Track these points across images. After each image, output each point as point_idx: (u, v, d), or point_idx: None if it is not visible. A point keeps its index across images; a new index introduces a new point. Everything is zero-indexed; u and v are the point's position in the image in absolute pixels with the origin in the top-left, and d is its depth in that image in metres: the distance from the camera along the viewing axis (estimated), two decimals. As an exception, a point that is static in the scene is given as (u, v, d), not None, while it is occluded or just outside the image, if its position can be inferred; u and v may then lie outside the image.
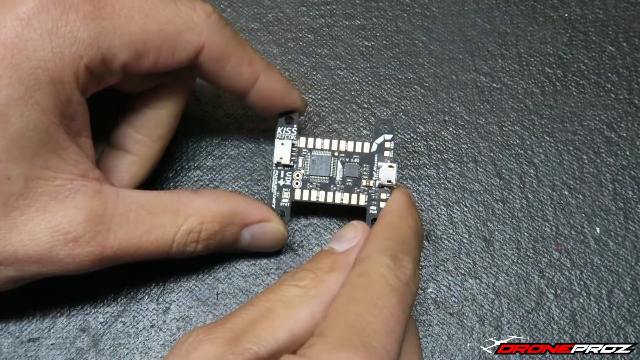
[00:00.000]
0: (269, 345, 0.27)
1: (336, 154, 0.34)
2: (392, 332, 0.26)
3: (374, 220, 0.32)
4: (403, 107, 0.38)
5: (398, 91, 0.39)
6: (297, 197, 0.34)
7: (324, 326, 0.26)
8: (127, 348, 0.33)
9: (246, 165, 0.37)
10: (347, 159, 0.34)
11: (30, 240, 0.28)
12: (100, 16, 0.28)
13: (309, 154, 0.34)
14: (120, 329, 0.34)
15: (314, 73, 0.39)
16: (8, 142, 0.27)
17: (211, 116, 0.37)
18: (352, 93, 0.39)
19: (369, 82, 0.39)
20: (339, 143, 0.34)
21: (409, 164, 0.37)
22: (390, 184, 0.33)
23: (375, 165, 0.34)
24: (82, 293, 0.34)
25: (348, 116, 0.38)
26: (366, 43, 0.40)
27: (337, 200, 0.34)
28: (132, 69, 0.29)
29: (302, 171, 0.34)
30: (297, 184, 0.34)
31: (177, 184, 0.36)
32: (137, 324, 0.34)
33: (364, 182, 0.34)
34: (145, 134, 0.32)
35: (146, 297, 0.34)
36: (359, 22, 0.40)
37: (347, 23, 0.40)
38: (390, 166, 0.33)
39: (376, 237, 0.29)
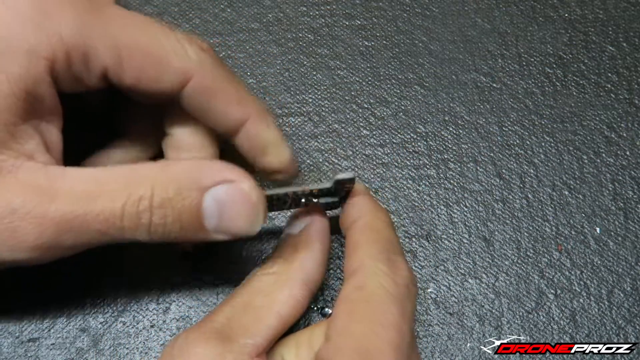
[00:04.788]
0: (263, 334, 0.27)
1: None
2: (398, 350, 0.25)
3: (338, 182, 0.30)
4: (403, 107, 0.38)
5: (398, 91, 0.39)
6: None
7: (329, 351, 0.26)
8: (127, 348, 0.33)
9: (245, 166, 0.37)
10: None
11: None
12: (94, 14, 0.28)
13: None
14: (120, 329, 0.34)
15: (314, 73, 0.39)
16: None
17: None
18: (352, 93, 0.39)
19: (369, 82, 0.39)
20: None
21: (409, 164, 0.37)
22: (348, 175, 0.30)
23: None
24: (82, 293, 0.34)
25: (348, 116, 0.38)
26: (366, 43, 0.40)
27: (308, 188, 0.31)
28: (112, 77, 0.29)
29: None
30: None
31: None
32: (137, 324, 0.34)
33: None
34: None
35: (146, 297, 0.34)
36: (359, 22, 0.40)
37: (347, 23, 0.40)
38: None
39: (362, 244, 0.29)
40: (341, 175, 0.30)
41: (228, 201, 0.27)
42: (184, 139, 0.31)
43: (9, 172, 0.26)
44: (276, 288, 0.29)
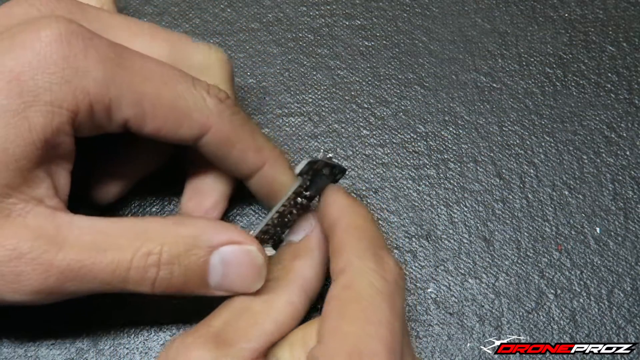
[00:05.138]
0: (259, 340, 0.27)
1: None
2: (391, 350, 0.25)
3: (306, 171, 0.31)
4: (403, 107, 0.38)
5: (398, 91, 0.39)
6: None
7: (321, 353, 0.26)
8: (127, 348, 0.33)
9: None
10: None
11: None
12: (119, 65, 0.28)
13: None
14: (120, 329, 0.34)
15: (314, 73, 0.39)
16: None
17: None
18: (352, 93, 0.39)
19: (369, 82, 0.39)
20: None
21: (409, 164, 0.37)
22: (327, 155, 0.32)
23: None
24: (82, 293, 0.33)
25: (348, 116, 0.38)
26: (366, 43, 0.40)
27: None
28: (133, 127, 0.29)
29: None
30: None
31: (177, 185, 0.36)
32: (137, 324, 0.34)
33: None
34: None
35: (146, 296, 0.34)
36: (359, 22, 0.40)
37: (347, 23, 0.40)
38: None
39: (346, 243, 0.29)
40: (297, 168, 0.30)
41: (234, 262, 0.29)
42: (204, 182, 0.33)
43: (19, 216, 0.27)
44: (275, 294, 0.29)
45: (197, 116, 0.29)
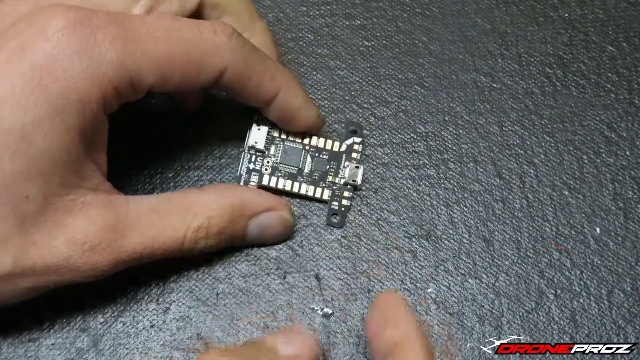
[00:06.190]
0: None
1: (307, 147, 0.36)
2: None
3: (334, 214, 0.35)
4: (403, 107, 0.38)
5: (398, 91, 0.39)
6: (264, 182, 0.35)
7: None
8: (127, 348, 0.33)
9: (246, 165, 0.37)
10: (317, 154, 0.36)
11: (48, 254, 0.28)
12: (127, 38, 0.28)
13: (281, 143, 0.36)
14: (120, 329, 0.34)
15: (314, 73, 0.39)
16: (29, 161, 0.27)
17: (211, 116, 0.37)
18: (352, 93, 0.39)
19: (369, 82, 0.39)
20: (310, 138, 0.36)
21: (409, 164, 0.37)
22: (355, 183, 0.35)
23: (342, 164, 0.36)
24: (82, 293, 0.33)
25: (348, 116, 0.38)
26: (366, 43, 0.40)
27: (303, 191, 0.35)
28: (157, 89, 0.30)
29: (273, 159, 0.35)
30: (266, 170, 0.35)
31: (177, 184, 0.36)
32: (137, 324, 0.34)
33: (329, 178, 0.36)
34: None
35: (146, 297, 0.34)
36: (359, 22, 0.40)
37: (347, 23, 0.40)
38: (357, 167, 0.36)
39: None
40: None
41: (269, 225, 0.34)
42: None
43: (80, 210, 0.29)
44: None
45: (211, 60, 0.30)
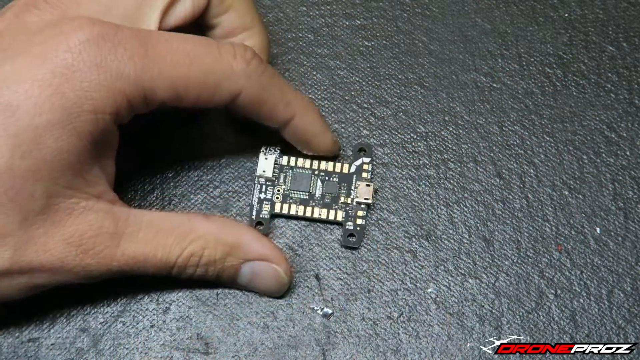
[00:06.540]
0: None
1: (316, 172, 0.36)
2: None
3: (350, 235, 0.35)
4: (403, 107, 0.38)
5: (398, 91, 0.39)
6: (277, 210, 0.35)
7: None
8: (127, 348, 0.33)
9: (246, 165, 0.37)
10: (327, 178, 0.36)
11: (44, 252, 0.29)
12: (146, 56, 0.29)
13: (290, 171, 0.36)
14: (120, 329, 0.34)
15: (314, 73, 0.39)
16: (39, 163, 0.28)
17: (212, 116, 0.37)
18: (352, 93, 0.39)
19: (369, 82, 0.39)
20: (319, 163, 0.36)
21: (409, 164, 0.37)
22: (367, 201, 0.35)
23: (354, 184, 0.36)
24: (82, 293, 0.34)
25: (348, 116, 0.38)
26: (366, 43, 0.40)
27: (316, 215, 0.35)
28: (169, 105, 0.31)
29: (283, 186, 0.35)
30: (277, 198, 0.35)
31: (177, 184, 0.36)
32: (137, 324, 0.34)
33: (342, 200, 0.35)
34: None
35: (146, 297, 0.34)
36: (359, 22, 0.40)
37: (347, 23, 0.40)
38: (368, 185, 0.35)
39: None
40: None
41: (261, 274, 0.33)
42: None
43: (81, 214, 0.29)
44: None
45: (226, 84, 0.31)
